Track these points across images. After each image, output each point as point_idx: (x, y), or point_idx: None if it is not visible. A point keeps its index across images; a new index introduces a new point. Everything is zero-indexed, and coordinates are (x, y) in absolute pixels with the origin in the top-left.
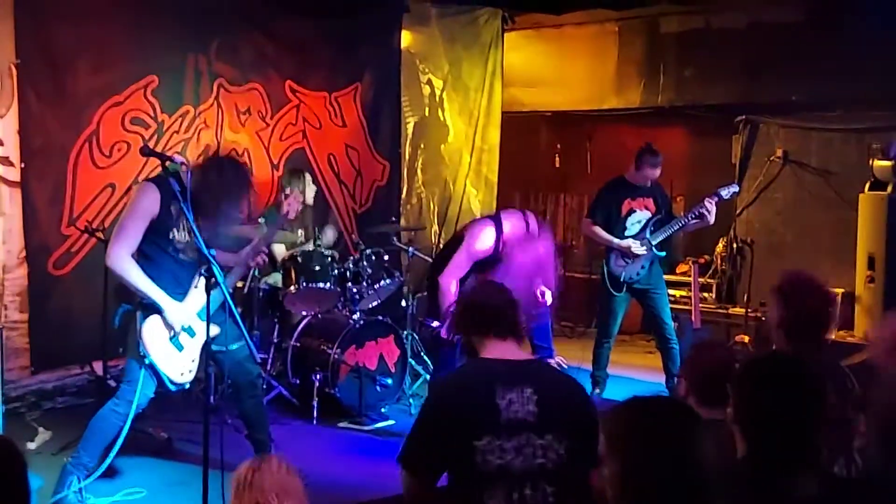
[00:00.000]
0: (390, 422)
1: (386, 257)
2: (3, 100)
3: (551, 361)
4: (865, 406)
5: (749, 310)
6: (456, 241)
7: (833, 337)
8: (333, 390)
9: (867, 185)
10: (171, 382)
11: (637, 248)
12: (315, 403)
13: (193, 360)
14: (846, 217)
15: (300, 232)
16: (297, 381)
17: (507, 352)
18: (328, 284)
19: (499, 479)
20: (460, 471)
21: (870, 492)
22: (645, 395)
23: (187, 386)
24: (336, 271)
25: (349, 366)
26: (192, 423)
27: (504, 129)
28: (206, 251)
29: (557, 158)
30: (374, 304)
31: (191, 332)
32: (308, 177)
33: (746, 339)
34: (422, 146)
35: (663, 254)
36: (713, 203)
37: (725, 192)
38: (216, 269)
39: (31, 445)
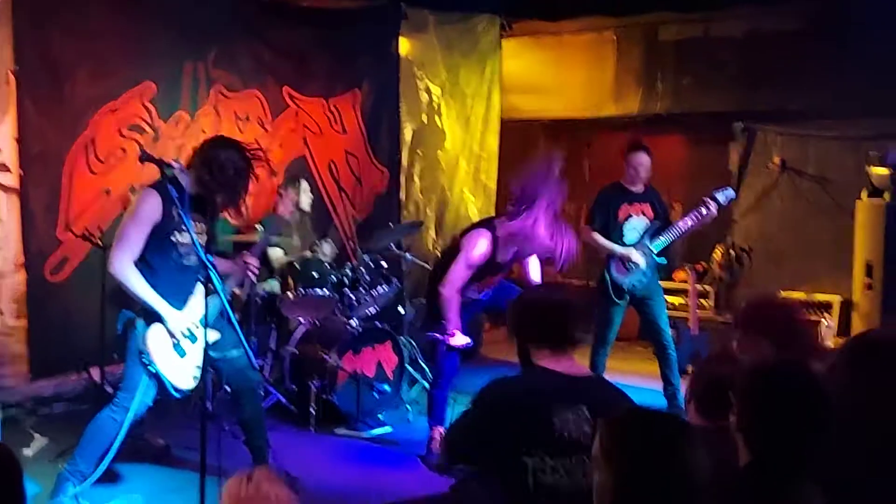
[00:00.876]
0: (388, 428)
1: (384, 264)
2: (0, 106)
3: None
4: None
5: None
6: (453, 249)
7: (832, 344)
8: (331, 397)
9: (864, 193)
10: (175, 389)
11: (637, 257)
12: (313, 410)
13: (197, 367)
14: (843, 224)
15: (296, 238)
16: (295, 388)
17: (565, 364)
18: (326, 291)
19: (548, 498)
20: (507, 485)
21: (874, 502)
22: (640, 408)
23: (188, 392)
24: (334, 278)
25: (347, 372)
26: (189, 429)
27: (502, 137)
28: (203, 256)
29: None
30: (372, 310)
31: (193, 338)
32: (305, 184)
33: None
34: (419, 153)
35: (664, 261)
36: (712, 204)
37: (722, 198)
38: (214, 276)
39: (28, 452)
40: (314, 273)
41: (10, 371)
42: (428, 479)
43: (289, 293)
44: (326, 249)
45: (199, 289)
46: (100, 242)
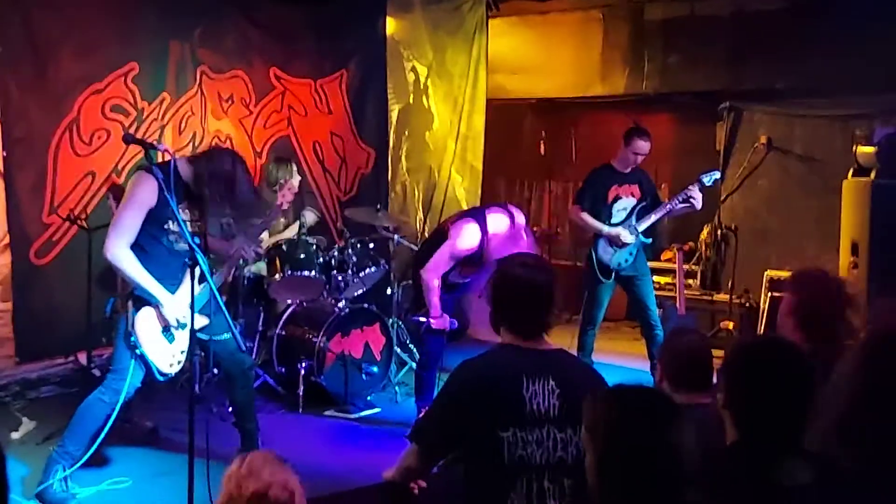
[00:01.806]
0: (376, 410)
1: (371, 245)
2: None
3: None
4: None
5: (733, 296)
6: (440, 235)
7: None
8: (319, 379)
9: (851, 172)
10: (160, 373)
11: (626, 236)
12: (301, 392)
13: (183, 351)
14: (830, 203)
15: (281, 219)
16: (283, 370)
17: (532, 342)
18: (313, 273)
19: (520, 471)
20: (481, 460)
21: (866, 479)
22: (623, 385)
23: (174, 376)
24: (321, 259)
25: (335, 354)
26: (177, 412)
27: (489, 117)
28: (190, 240)
29: (542, 145)
30: (360, 292)
31: (182, 325)
32: (293, 166)
33: (731, 325)
34: (406, 133)
35: (650, 240)
36: (696, 189)
37: (707, 179)
38: (201, 259)
39: (16, 435)
40: (301, 255)
41: None
42: None
43: (276, 275)
44: (310, 219)
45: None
46: (85, 225)
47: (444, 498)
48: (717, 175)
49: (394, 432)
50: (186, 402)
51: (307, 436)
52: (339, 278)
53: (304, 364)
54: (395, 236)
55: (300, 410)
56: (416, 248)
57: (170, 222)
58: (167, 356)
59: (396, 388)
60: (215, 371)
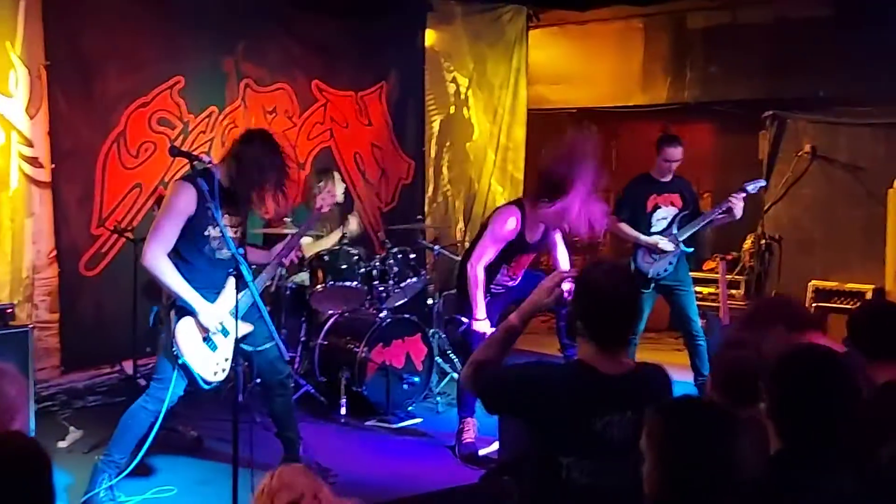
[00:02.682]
0: (417, 420)
1: (412, 256)
2: (33, 101)
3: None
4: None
5: None
6: (483, 228)
7: None
8: (361, 389)
9: None
10: (205, 381)
11: (664, 244)
12: (342, 402)
13: (227, 359)
14: (875, 213)
15: (327, 226)
16: (325, 380)
17: (610, 363)
18: (355, 283)
19: (579, 497)
20: (539, 479)
21: None
22: (685, 397)
23: (219, 384)
24: (362, 270)
25: (376, 364)
26: (221, 421)
27: (529, 127)
28: (234, 250)
29: None
30: (401, 302)
31: (225, 331)
32: (337, 175)
33: None
34: (447, 144)
35: (691, 250)
36: (740, 198)
37: (752, 187)
38: (245, 269)
39: (63, 444)
40: (343, 265)
41: (43, 364)
42: (457, 471)
43: (318, 286)
44: (353, 223)
45: (231, 282)
46: (131, 236)
47: None
48: (763, 183)
49: (435, 443)
50: (230, 411)
51: (349, 446)
52: (381, 289)
53: (345, 374)
54: (436, 247)
55: (342, 420)
56: (457, 258)
57: (210, 228)
58: (211, 364)
59: (438, 398)
60: (258, 381)
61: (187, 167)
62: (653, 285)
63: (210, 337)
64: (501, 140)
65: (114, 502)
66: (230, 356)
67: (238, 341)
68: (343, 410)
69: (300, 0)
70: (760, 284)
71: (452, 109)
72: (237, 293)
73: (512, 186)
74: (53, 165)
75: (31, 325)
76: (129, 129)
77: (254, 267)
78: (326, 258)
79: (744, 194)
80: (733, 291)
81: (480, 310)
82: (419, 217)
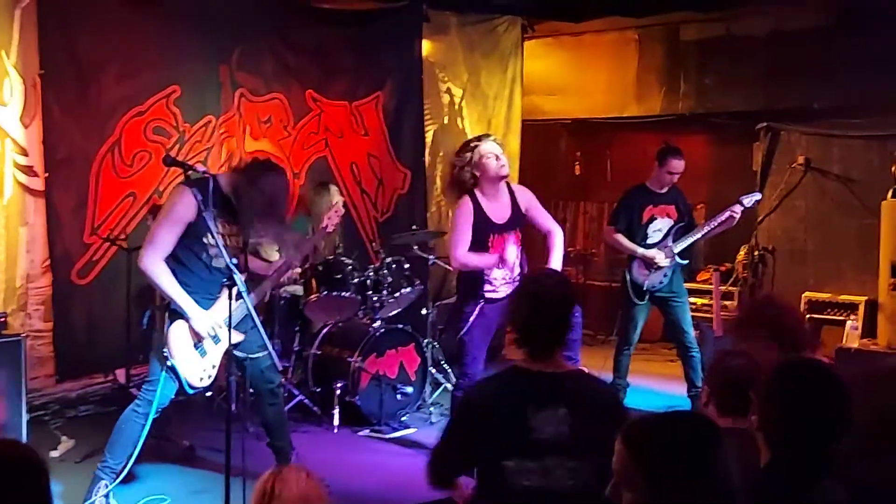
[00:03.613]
0: (411, 430)
1: (406, 265)
2: (27, 110)
3: None
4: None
5: None
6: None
7: (856, 346)
8: (354, 398)
9: (890, 192)
10: (189, 386)
11: (661, 259)
12: (336, 411)
13: (214, 366)
14: (868, 224)
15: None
16: (318, 390)
17: (545, 364)
18: (349, 293)
19: (525, 499)
20: (487, 486)
21: None
22: (668, 411)
23: (204, 390)
24: (356, 280)
25: (370, 374)
26: (214, 430)
27: (524, 137)
28: (227, 260)
29: (577, 166)
30: (395, 312)
31: (216, 338)
32: (333, 188)
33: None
34: (441, 154)
35: (686, 262)
36: (738, 211)
37: (748, 201)
38: (238, 279)
39: (55, 453)
40: (337, 275)
41: (37, 373)
42: None
43: (312, 295)
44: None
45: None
46: (125, 245)
47: None
48: (759, 196)
49: (428, 453)
50: (223, 420)
51: (342, 455)
52: (375, 298)
53: (339, 384)
54: (431, 256)
55: (335, 430)
56: (451, 268)
57: (209, 236)
58: (198, 370)
59: (431, 408)
60: (251, 390)
61: (181, 177)
62: (647, 297)
63: (201, 343)
64: None
65: None
66: (217, 363)
67: (232, 349)
68: (336, 420)
69: (295, 9)
70: (754, 295)
71: (447, 120)
72: (231, 302)
73: None
74: (47, 174)
75: (24, 335)
76: (124, 138)
77: (250, 280)
78: (320, 268)
79: (741, 208)
80: (727, 302)
81: (490, 257)
82: (414, 227)
